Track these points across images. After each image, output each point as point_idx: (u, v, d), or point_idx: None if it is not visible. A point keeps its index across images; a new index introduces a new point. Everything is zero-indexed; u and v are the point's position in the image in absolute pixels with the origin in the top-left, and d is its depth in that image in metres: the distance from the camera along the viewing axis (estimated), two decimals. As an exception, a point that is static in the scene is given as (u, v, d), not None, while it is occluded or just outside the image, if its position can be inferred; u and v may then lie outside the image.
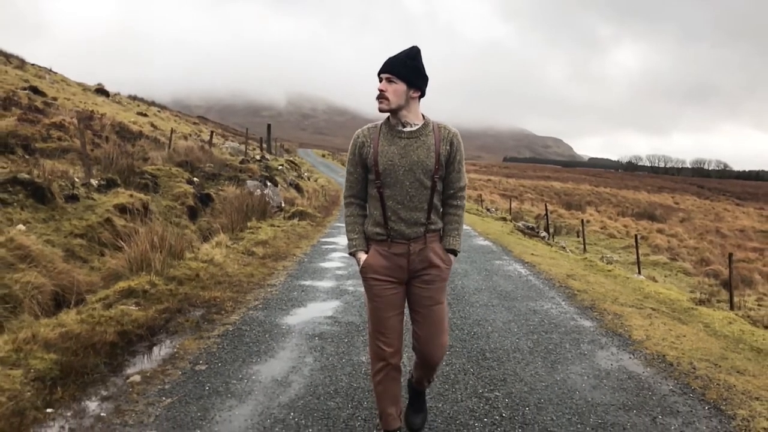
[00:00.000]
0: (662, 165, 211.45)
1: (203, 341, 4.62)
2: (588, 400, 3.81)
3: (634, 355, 4.85)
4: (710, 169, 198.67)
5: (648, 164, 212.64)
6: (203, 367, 4.08)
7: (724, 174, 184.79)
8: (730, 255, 11.29)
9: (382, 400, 2.95)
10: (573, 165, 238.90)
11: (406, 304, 2.96)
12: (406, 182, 2.75)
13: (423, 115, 2.84)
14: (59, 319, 4.60)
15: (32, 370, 3.61)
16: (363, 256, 2.89)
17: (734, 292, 14.23)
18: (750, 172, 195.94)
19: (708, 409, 3.77)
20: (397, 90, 2.70)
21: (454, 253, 2.94)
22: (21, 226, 7.31)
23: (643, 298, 7.35)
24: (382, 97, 2.71)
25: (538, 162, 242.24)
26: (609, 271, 9.78)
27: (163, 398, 3.55)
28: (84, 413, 3.32)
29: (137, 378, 3.84)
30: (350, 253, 2.95)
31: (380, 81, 2.73)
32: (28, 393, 3.38)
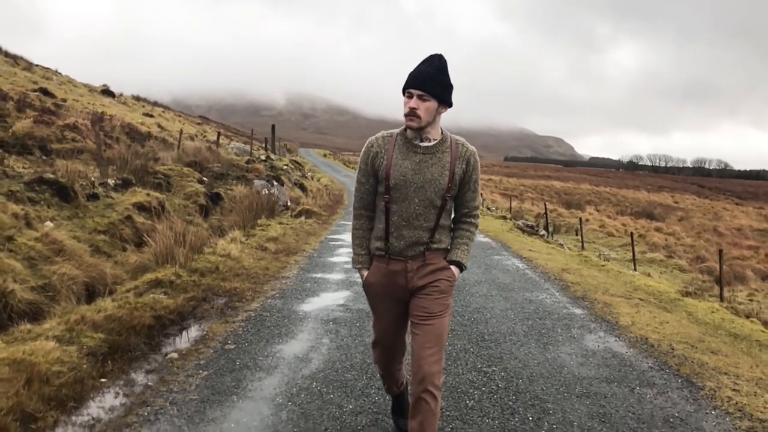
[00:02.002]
0: (663, 164, 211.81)
1: (229, 325, 5.12)
2: (575, 374, 4.30)
3: (619, 338, 5.34)
4: (711, 168, 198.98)
5: (649, 164, 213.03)
6: (232, 347, 4.57)
7: (725, 173, 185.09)
8: (720, 251, 11.78)
9: (386, 383, 3.19)
10: (574, 164, 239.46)
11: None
12: (415, 199, 2.66)
13: (442, 130, 2.76)
14: (98, 305, 5.09)
15: (85, 347, 4.11)
16: (366, 273, 2.87)
17: (727, 288, 14.72)
18: (751, 171, 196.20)
19: (681, 381, 4.26)
20: (429, 108, 2.61)
21: (459, 266, 2.81)
22: (49, 223, 7.79)
23: (633, 290, 7.84)
24: (413, 115, 2.61)
25: (539, 161, 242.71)
26: (603, 266, 10.28)
27: (200, 371, 4.05)
28: (134, 383, 3.82)
29: (175, 355, 4.33)
30: (355, 268, 2.93)
31: (409, 96, 2.62)
32: (84, 365, 3.88)
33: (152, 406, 3.46)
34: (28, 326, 4.44)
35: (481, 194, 36.43)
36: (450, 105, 2.70)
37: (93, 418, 3.28)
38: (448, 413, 3.54)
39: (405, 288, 2.75)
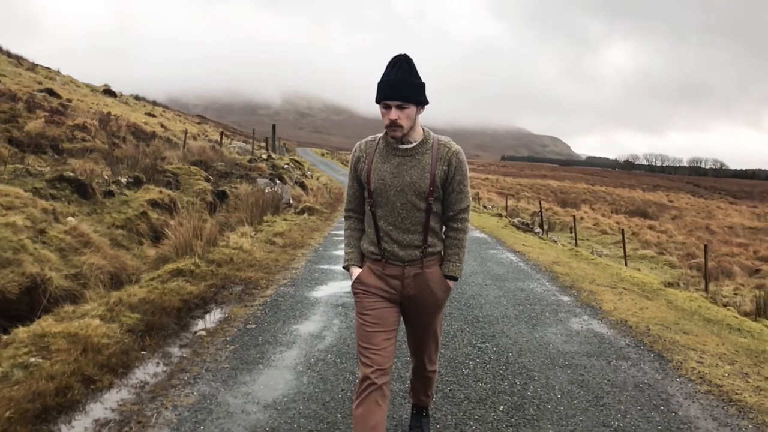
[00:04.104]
0: (659, 164, 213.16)
1: (248, 308, 5.65)
2: (559, 350, 4.84)
3: (601, 321, 5.88)
4: (707, 168, 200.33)
5: (645, 163, 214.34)
6: (253, 326, 5.11)
7: (721, 173, 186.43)
8: (705, 246, 12.35)
9: (359, 429, 2.55)
10: (570, 164, 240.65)
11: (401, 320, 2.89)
12: (397, 203, 2.63)
13: (423, 130, 2.71)
14: (128, 291, 5.62)
15: (125, 325, 4.63)
16: (356, 271, 2.80)
17: (714, 283, 15.29)
18: (746, 171, 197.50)
19: (653, 356, 4.81)
20: (409, 115, 2.56)
21: (454, 279, 2.80)
22: (71, 219, 8.30)
23: (619, 281, 8.39)
24: (395, 126, 2.56)
25: (535, 161, 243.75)
26: (592, 259, 10.83)
27: (228, 345, 4.58)
28: (170, 354, 4.35)
29: (203, 333, 4.86)
30: (344, 267, 2.88)
31: (386, 108, 2.55)
32: (127, 340, 4.40)
33: (190, 373, 3.99)
34: (71, 308, 4.97)
35: (478, 193, 36.97)
36: (427, 103, 2.64)
37: (141, 381, 3.81)
38: (446, 378, 4.09)
39: (399, 293, 2.73)
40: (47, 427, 3.13)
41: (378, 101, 2.58)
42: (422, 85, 2.59)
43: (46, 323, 4.39)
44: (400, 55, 2.57)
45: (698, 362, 4.66)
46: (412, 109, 2.57)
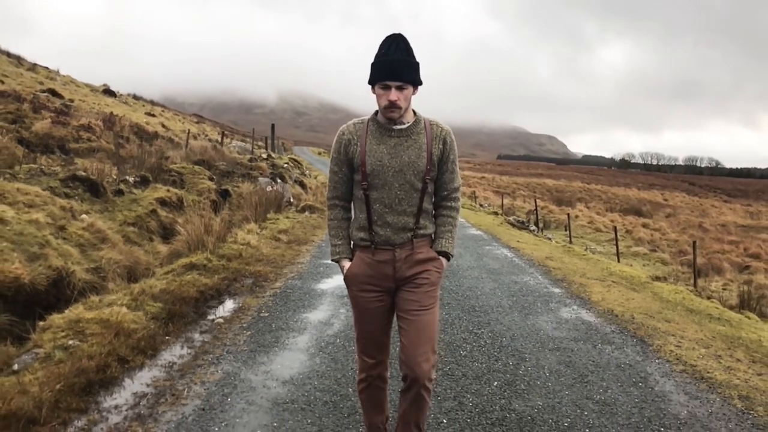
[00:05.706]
0: (655, 162, 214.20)
1: (260, 299, 6.05)
2: (549, 335, 5.26)
3: (589, 310, 6.30)
4: (702, 166, 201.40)
5: (641, 162, 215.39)
6: (266, 314, 5.51)
7: (716, 171, 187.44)
8: (694, 242, 12.80)
9: (367, 409, 2.94)
10: (566, 162, 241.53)
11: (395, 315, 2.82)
12: (395, 184, 2.60)
13: (414, 111, 2.69)
14: (148, 283, 6.00)
15: (149, 313, 5.02)
16: (347, 264, 2.75)
17: (704, 279, 15.75)
18: (741, 169, 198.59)
19: (635, 341, 5.23)
20: (407, 95, 2.56)
21: (447, 256, 2.76)
22: (85, 216, 8.68)
23: (608, 275, 8.81)
24: (395, 107, 2.54)
25: (531, 159, 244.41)
26: (584, 255, 11.26)
27: (244, 331, 4.98)
28: (193, 339, 4.74)
29: (221, 320, 5.26)
30: (334, 260, 2.81)
31: (384, 88, 2.53)
32: (152, 326, 4.80)
33: (213, 354, 4.39)
34: (97, 298, 5.36)
35: (474, 192, 37.39)
36: (421, 84, 2.63)
37: (169, 362, 4.20)
38: (445, 359, 4.49)
39: (392, 278, 2.69)
40: (92, 398, 3.53)
41: (374, 82, 2.56)
42: (418, 65, 2.59)
43: (77, 311, 4.78)
44: (396, 34, 2.56)
45: (676, 346, 5.08)
46: (410, 90, 2.57)
